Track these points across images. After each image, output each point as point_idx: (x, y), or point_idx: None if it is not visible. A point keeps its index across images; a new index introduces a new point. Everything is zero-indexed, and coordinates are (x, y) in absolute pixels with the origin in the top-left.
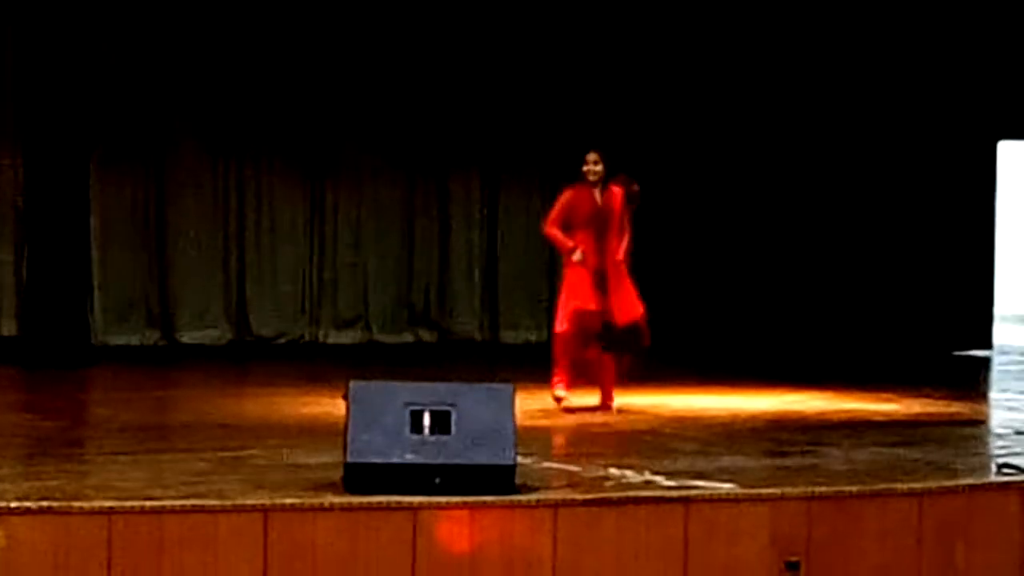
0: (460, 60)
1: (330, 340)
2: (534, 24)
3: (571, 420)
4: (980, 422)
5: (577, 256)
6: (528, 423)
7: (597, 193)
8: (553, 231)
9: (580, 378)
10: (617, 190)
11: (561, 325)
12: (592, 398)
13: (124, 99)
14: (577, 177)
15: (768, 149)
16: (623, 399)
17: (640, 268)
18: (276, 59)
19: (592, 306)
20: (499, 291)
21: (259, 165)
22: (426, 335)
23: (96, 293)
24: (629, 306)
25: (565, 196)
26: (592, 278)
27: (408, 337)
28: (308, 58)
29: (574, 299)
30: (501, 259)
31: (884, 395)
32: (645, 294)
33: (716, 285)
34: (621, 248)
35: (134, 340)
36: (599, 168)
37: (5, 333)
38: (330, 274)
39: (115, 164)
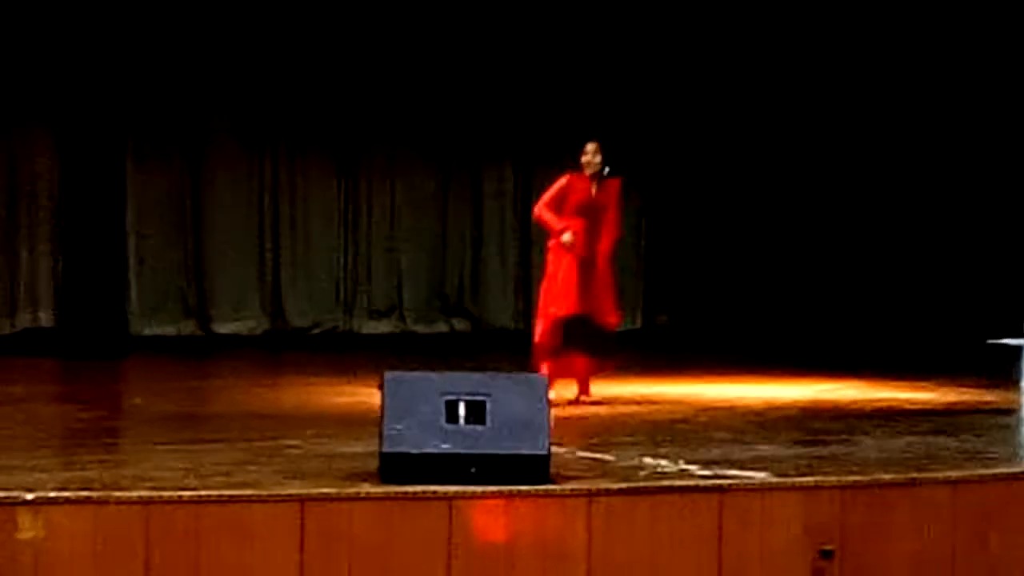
0: (493, 52)
1: (364, 330)
2: (569, 18)
3: (604, 410)
4: (1014, 410)
5: (567, 238)
6: (562, 413)
7: (594, 185)
8: (544, 213)
9: (559, 376)
10: (614, 182)
11: (541, 336)
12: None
13: (159, 91)
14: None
15: (801, 136)
16: (656, 388)
17: (674, 257)
18: (310, 51)
19: (570, 309)
20: (533, 280)
21: (294, 156)
22: (460, 325)
23: (132, 284)
24: (608, 311)
25: (562, 181)
26: (577, 270)
27: (442, 327)
28: (342, 50)
29: (553, 304)
30: (534, 248)
31: (918, 383)
32: (678, 283)
33: (749, 273)
34: (609, 241)
35: (170, 331)
36: (598, 160)
37: (43, 324)
38: (364, 264)
39: (150, 156)
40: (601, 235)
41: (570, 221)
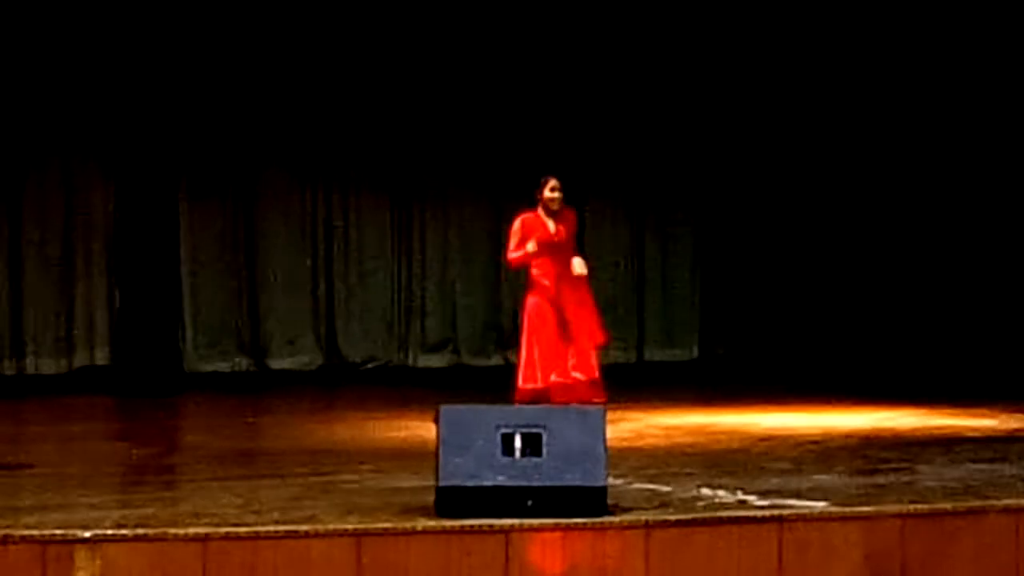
0: (546, 87)
1: (419, 364)
2: (622, 55)
3: (662, 440)
4: None
5: (531, 247)
6: (619, 444)
7: (551, 221)
8: (515, 256)
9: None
10: (570, 212)
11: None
12: None
13: (212, 129)
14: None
15: (858, 169)
16: (714, 418)
17: (731, 288)
18: (362, 87)
19: (544, 381)
20: None
21: (347, 191)
22: (515, 358)
23: (187, 321)
24: (585, 356)
25: (522, 225)
26: (555, 315)
27: (497, 360)
28: (394, 86)
29: (528, 370)
30: (589, 280)
31: (979, 411)
32: (735, 314)
33: (806, 303)
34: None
35: (225, 367)
36: (559, 195)
37: (98, 362)
38: (418, 299)
39: (204, 193)
40: (569, 270)
41: (536, 264)
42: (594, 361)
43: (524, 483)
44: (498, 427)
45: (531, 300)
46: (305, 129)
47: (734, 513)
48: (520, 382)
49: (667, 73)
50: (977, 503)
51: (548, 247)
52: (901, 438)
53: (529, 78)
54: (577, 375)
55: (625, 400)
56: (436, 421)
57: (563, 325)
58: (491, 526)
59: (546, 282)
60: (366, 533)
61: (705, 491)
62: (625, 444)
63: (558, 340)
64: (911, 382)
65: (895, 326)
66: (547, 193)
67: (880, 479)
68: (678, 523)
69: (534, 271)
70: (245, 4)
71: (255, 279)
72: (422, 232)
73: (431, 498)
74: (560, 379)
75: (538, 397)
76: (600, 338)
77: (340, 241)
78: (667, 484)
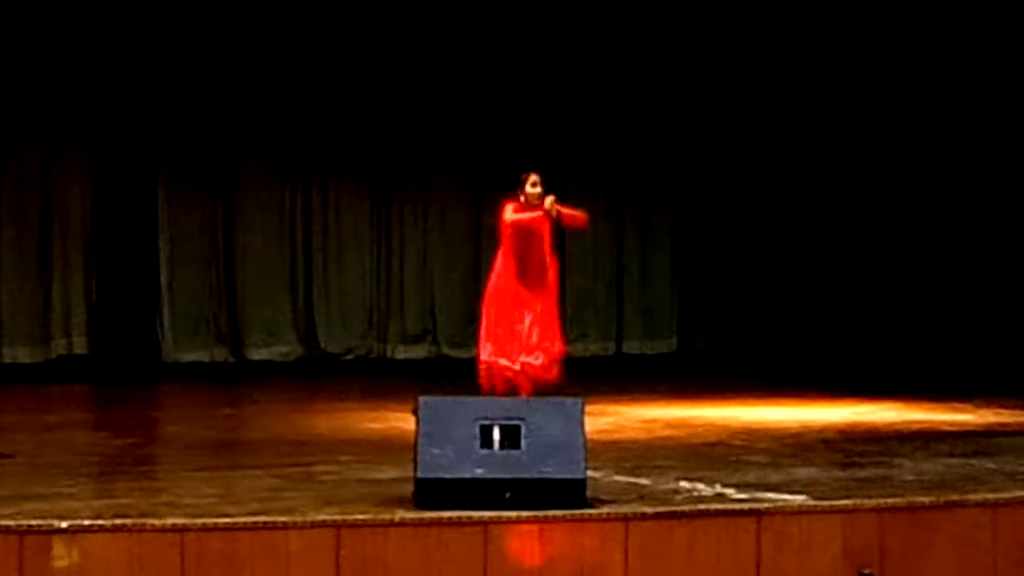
0: (526, 80)
1: (398, 355)
2: (604, 45)
3: (640, 433)
4: None
5: (548, 203)
6: (598, 437)
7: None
8: (514, 217)
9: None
10: (543, 211)
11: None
12: None
13: (191, 119)
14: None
15: (838, 160)
16: (692, 411)
17: (709, 280)
18: (342, 78)
19: (506, 356)
20: (566, 304)
21: (326, 182)
22: None
23: (165, 311)
24: (545, 361)
25: (513, 205)
26: (517, 307)
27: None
28: (374, 77)
29: (491, 341)
30: (568, 273)
31: (956, 405)
32: (713, 306)
33: (785, 296)
34: (551, 277)
35: (203, 357)
36: (540, 190)
37: (76, 351)
38: (397, 290)
39: (183, 183)
40: (539, 273)
41: (506, 258)
42: (556, 359)
43: (503, 475)
44: (477, 419)
45: (495, 282)
46: (285, 119)
47: (712, 506)
48: (482, 356)
49: (647, 64)
50: (955, 496)
51: (521, 244)
52: (879, 432)
53: (509, 69)
54: (537, 362)
55: (604, 393)
56: (415, 413)
57: (523, 313)
58: (470, 518)
59: (513, 278)
60: (345, 524)
61: (684, 484)
62: (604, 437)
63: (515, 321)
64: (889, 376)
65: (874, 319)
66: (528, 188)
67: (858, 472)
68: (657, 516)
69: (500, 265)
70: None
71: (233, 269)
72: (401, 223)
73: (410, 490)
74: (513, 364)
75: (502, 377)
76: (557, 351)
77: (320, 232)
78: (646, 477)
